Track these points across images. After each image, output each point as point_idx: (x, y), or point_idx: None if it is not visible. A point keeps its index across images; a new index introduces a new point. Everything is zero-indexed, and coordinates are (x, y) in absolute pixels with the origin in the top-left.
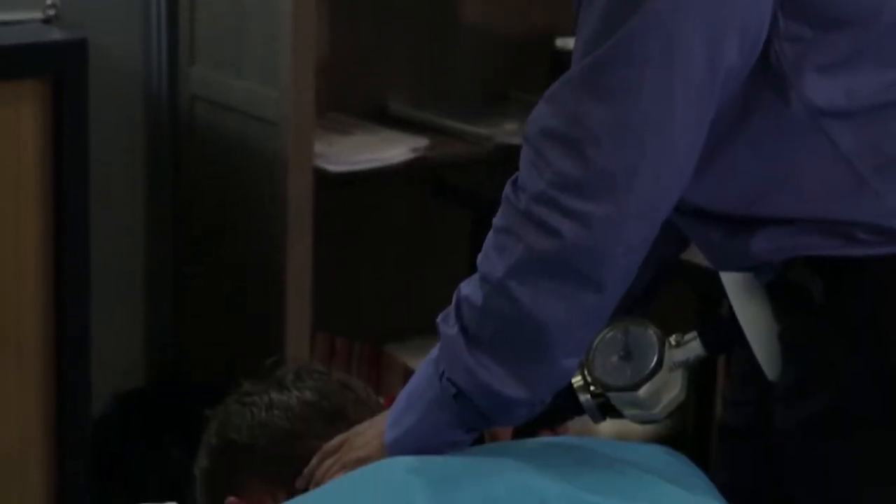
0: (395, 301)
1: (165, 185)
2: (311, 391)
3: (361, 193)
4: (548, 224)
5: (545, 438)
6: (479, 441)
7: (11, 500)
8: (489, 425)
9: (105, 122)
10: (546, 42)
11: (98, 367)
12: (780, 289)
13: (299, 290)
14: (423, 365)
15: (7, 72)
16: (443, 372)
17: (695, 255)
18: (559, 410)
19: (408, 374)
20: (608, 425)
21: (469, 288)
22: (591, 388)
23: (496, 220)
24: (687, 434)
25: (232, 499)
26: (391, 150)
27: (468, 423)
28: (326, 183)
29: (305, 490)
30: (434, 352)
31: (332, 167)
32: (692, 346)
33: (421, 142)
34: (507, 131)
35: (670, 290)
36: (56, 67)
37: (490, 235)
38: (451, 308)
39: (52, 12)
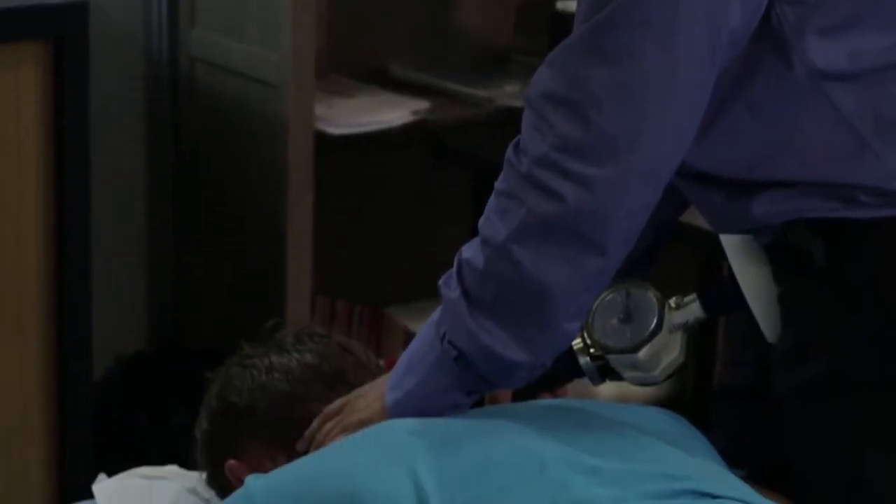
0: (396, 264)
1: (166, 148)
2: (311, 354)
3: (362, 156)
4: (550, 188)
5: (545, 401)
6: (480, 403)
7: (13, 463)
8: (490, 388)
9: (105, 84)
10: (547, 4)
11: (99, 331)
12: (780, 251)
13: (300, 252)
14: (425, 328)
15: (7, 34)
16: (444, 335)
17: (695, 218)
18: (559, 373)
19: (408, 336)
20: (607, 388)
21: (470, 251)
22: (591, 350)
23: (498, 184)
24: (686, 397)
25: (232, 462)
26: (392, 112)
27: (469, 386)
28: (327, 146)
29: (306, 453)
30: (435, 315)
31: (333, 130)
32: (692, 309)
33: (422, 104)
34: (507, 94)
35: (670, 253)
36: (56, 30)
37: (492, 199)
38: (453, 271)
39: None
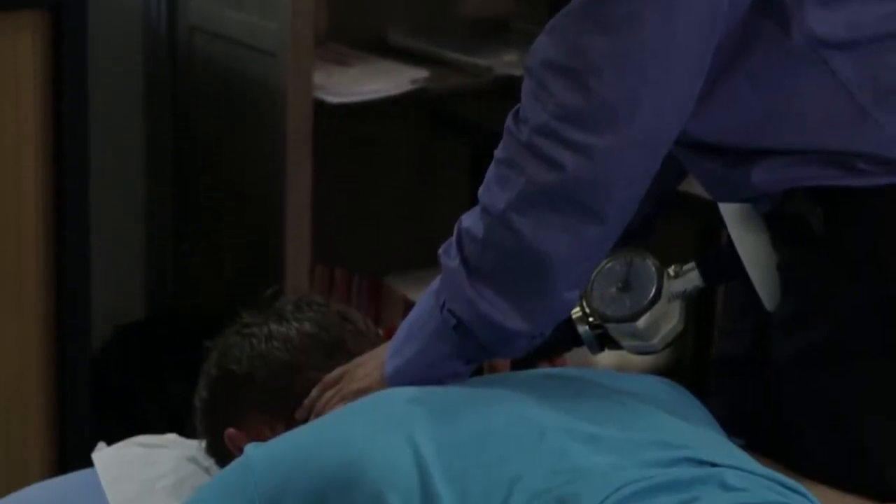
0: (395, 233)
1: (164, 117)
2: (310, 323)
3: (361, 125)
4: (550, 156)
5: (544, 370)
6: (479, 372)
7: (12, 432)
8: (489, 357)
9: (104, 53)
10: None
11: (98, 299)
12: (778, 220)
13: (298, 221)
14: (425, 296)
15: (5, 2)
16: (444, 303)
17: (694, 187)
18: (558, 342)
19: (407, 306)
20: (606, 356)
21: (470, 220)
22: (590, 319)
23: (498, 152)
24: (684, 365)
25: (231, 430)
26: (390, 81)
27: (468, 355)
28: (325, 114)
29: (305, 421)
30: (435, 283)
31: (332, 98)
32: (691, 277)
33: (420, 73)
34: (506, 62)
35: (669, 222)
36: None
37: (492, 167)
38: (453, 240)
39: None
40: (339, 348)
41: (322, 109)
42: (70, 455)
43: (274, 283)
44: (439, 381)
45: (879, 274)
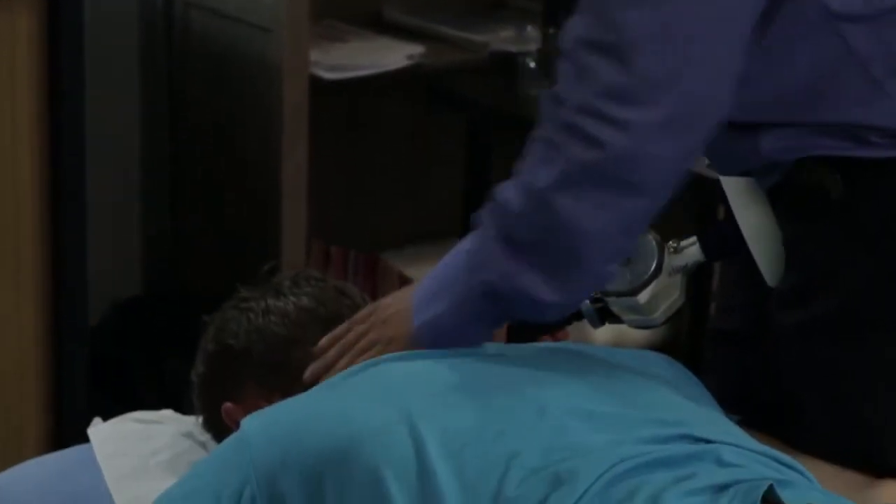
0: (391, 209)
1: (160, 92)
2: (307, 298)
3: (357, 101)
4: (590, 135)
5: (544, 344)
6: None
7: (10, 408)
8: (512, 321)
9: (100, 28)
10: None
11: (95, 275)
12: (786, 192)
13: (295, 197)
14: (455, 254)
15: None
16: (477, 272)
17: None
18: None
19: (403, 281)
20: (604, 332)
21: (509, 192)
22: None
23: (538, 131)
24: (681, 341)
25: (228, 405)
26: (386, 57)
27: (494, 320)
28: (321, 90)
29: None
30: (465, 243)
31: (328, 74)
32: (691, 252)
33: (416, 49)
34: (502, 38)
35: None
36: None
37: (532, 144)
38: (489, 210)
39: None
40: (336, 323)
41: (318, 85)
42: (66, 430)
43: (270, 259)
44: (461, 341)
45: (895, 245)
